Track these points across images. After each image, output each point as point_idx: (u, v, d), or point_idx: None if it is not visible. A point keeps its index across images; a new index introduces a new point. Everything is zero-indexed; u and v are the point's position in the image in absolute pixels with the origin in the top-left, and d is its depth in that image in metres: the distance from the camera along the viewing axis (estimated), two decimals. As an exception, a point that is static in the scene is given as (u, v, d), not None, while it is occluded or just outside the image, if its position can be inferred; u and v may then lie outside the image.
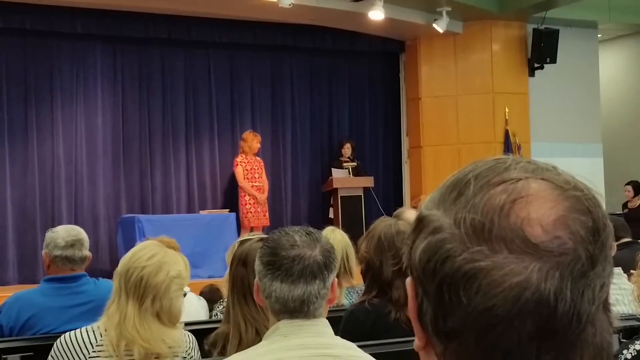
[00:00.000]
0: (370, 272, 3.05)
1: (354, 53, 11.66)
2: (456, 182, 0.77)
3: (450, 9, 10.47)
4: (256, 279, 2.06)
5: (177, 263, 2.73)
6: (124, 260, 2.73)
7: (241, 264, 2.73)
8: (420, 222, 0.77)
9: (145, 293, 2.63)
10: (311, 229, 2.08)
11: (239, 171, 10.13)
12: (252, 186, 10.10)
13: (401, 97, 12.13)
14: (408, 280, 0.79)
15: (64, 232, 3.74)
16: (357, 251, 3.71)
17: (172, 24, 10.22)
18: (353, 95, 11.87)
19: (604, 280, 0.73)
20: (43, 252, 3.76)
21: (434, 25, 10.59)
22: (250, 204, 10.05)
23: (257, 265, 2.04)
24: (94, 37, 9.97)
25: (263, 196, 10.13)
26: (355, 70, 11.88)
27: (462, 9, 10.72)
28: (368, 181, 10.91)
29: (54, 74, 9.81)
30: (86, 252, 3.75)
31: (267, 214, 10.13)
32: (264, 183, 10.28)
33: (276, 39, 10.95)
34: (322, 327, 2.01)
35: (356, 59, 11.82)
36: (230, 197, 10.57)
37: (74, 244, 3.69)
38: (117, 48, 10.24)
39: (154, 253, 2.70)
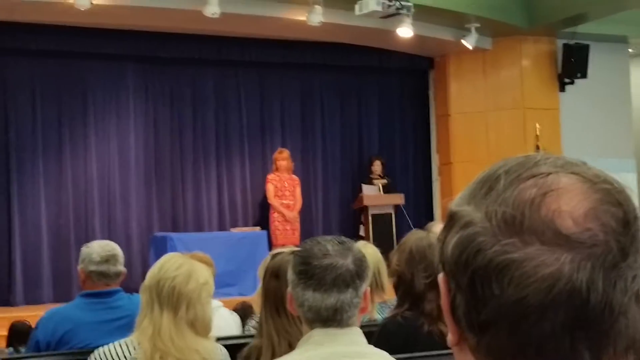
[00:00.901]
0: (402, 286, 3.04)
1: (383, 70, 11.68)
2: (486, 178, 0.79)
3: (479, 25, 10.46)
4: (289, 288, 2.08)
5: (203, 270, 2.78)
6: (152, 273, 2.76)
7: (274, 276, 2.74)
8: (452, 218, 0.79)
9: (179, 302, 2.66)
10: (343, 238, 2.10)
11: (269, 189, 10.20)
12: (282, 204, 10.14)
13: (430, 113, 12.11)
14: (440, 276, 0.80)
15: (98, 248, 3.78)
16: (388, 266, 3.71)
17: (203, 44, 10.33)
18: (382, 113, 11.88)
19: (636, 272, 0.73)
20: (78, 267, 3.80)
21: (463, 41, 10.58)
22: (278, 221, 10.09)
23: (290, 274, 2.05)
24: (126, 57, 10.12)
25: (292, 214, 10.15)
26: (384, 88, 11.89)
27: (491, 25, 10.70)
28: (398, 198, 10.87)
29: (87, 94, 9.96)
30: (121, 268, 3.79)
31: (296, 232, 10.10)
32: (297, 201, 10.29)
33: (305, 57, 11.01)
34: (355, 335, 2.02)
35: (385, 76, 11.83)
36: (262, 215, 10.62)
37: (109, 259, 3.73)
38: (148, 68, 10.37)
39: (181, 263, 2.74)
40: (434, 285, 2.84)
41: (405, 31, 9.74)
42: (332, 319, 1.99)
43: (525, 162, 0.78)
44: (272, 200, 10.17)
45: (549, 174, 0.75)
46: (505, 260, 0.72)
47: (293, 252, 2.43)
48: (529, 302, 0.71)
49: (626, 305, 0.72)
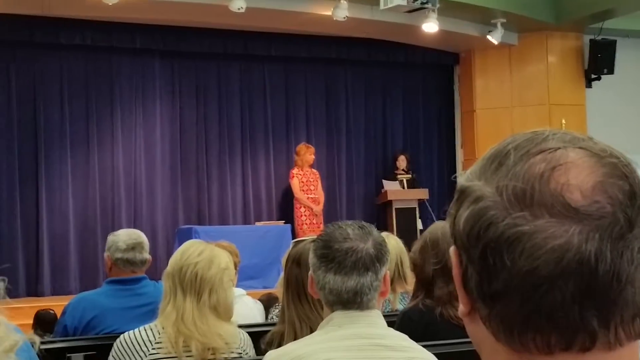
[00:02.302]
0: (416, 273, 3.10)
1: (408, 65, 11.68)
2: (496, 154, 0.81)
3: (505, 20, 10.42)
4: (310, 271, 2.12)
5: (224, 256, 2.83)
6: (175, 260, 2.81)
7: (295, 263, 2.78)
8: (462, 193, 0.81)
9: (202, 287, 2.71)
10: (363, 222, 2.14)
11: (294, 183, 10.26)
12: (308, 198, 10.21)
13: (455, 109, 12.10)
14: (452, 249, 0.82)
15: (125, 236, 3.85)
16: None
17: (228, 39, 10.40)
18: (407, 108, 11.88)
19: None
20: (105, 254, 3.87)
21: (489, 37, 10.55)
22: (305, 215, 10.15)
23: (311, 258, 2.09)
24: (152, 52, 10.22)
25: (318, 207, 10.22)
26: (409, 83, 11.89)
27: (517, 21, 10.66)
28: (423, 193, 10.88)
29: (114, 88, 10.07)
30: (146, 255, 3.85)
31: (322, 225, 10.16)
32: (320, 195, 10.36)
33: (330, 52, 11.04)
34: (375, 318, 2.05)
35: (410, 72, 11.83)
36: (286, 208, 10.67)
37: (135, 247, 3.80)
38: (174, 62, 10.45)
39: (202, 249, 2.79)
40: (443, 271, 2.89)
41: (430, 26, 9.72)
42: (352, 301, 2.03)
43: (534, 138, 0.80)
44: (299, 194, 10.23)
45: (557, 148, 0.77)
46: (516, 233, 0.74)
47: (314, 239, 2.47)
48: (539, 273, 0.73)
49: (633, 275, 0.74)
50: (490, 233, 0.75)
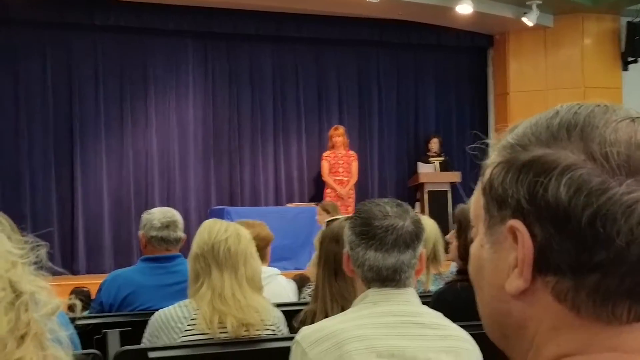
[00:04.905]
0: None
1: (441, 48, 11.58)
2: (567, 123, 0.78)
3: (540, 2, 10.28)
4: (346, 249, 2.12)
5: (244, 229, 2.88)
6: (203, 240, 2.81)
7: (334, 241, 2.77)
8: (535, 163, 0.77)
9: (237, 260, 2.74)
10: (399, 200, 2.13)
11: (324, 166, 10.29)
12: (335, 180, 10.21)
13: (489, 92, 11.99)
14: (514, 223, 0.77)
15: (159, 214, 3.88)
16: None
17: (261, 20, 10.39)
18: (440, 90, 11.80)
19: None
20: (140, 232, 3.90)
21: (524, 19, 10.42)
22: (330, 197, 10.14)
23: (349, 235, 2.09)
24: (185, 33, 10.24)
25: (344, 190, 10.19)
26: (442, 65, 11.80)
27: (553, 2, 10.51)
28: (455, 176, 10.81)
29: (147, 70, 10.12)
30: (180, 234, 3.88)
31: (350, 208, 10.06)
32: (352, 176, 10.31)
33: (363, 34, 10.98)
34: (409, 295, 2.06)
35: (443, 54, 11.74)
36: (317, 191, 10.69)
37: (169, 225, 3.83)
38: (207, 44, 10.48)
39: (226, 225, 2.83)
40: None
41: (464, 8, 9.64)
42: (391, 278, 2.04)
43: (603, 108, 0.78)
44: (326, 177, 10.25)
45: (632, 119, 0.77)
46: (631, 199, 0.72)
47: (349, 218, 2.47)
48: None
49: None
50: (602, 200, 0.73)
